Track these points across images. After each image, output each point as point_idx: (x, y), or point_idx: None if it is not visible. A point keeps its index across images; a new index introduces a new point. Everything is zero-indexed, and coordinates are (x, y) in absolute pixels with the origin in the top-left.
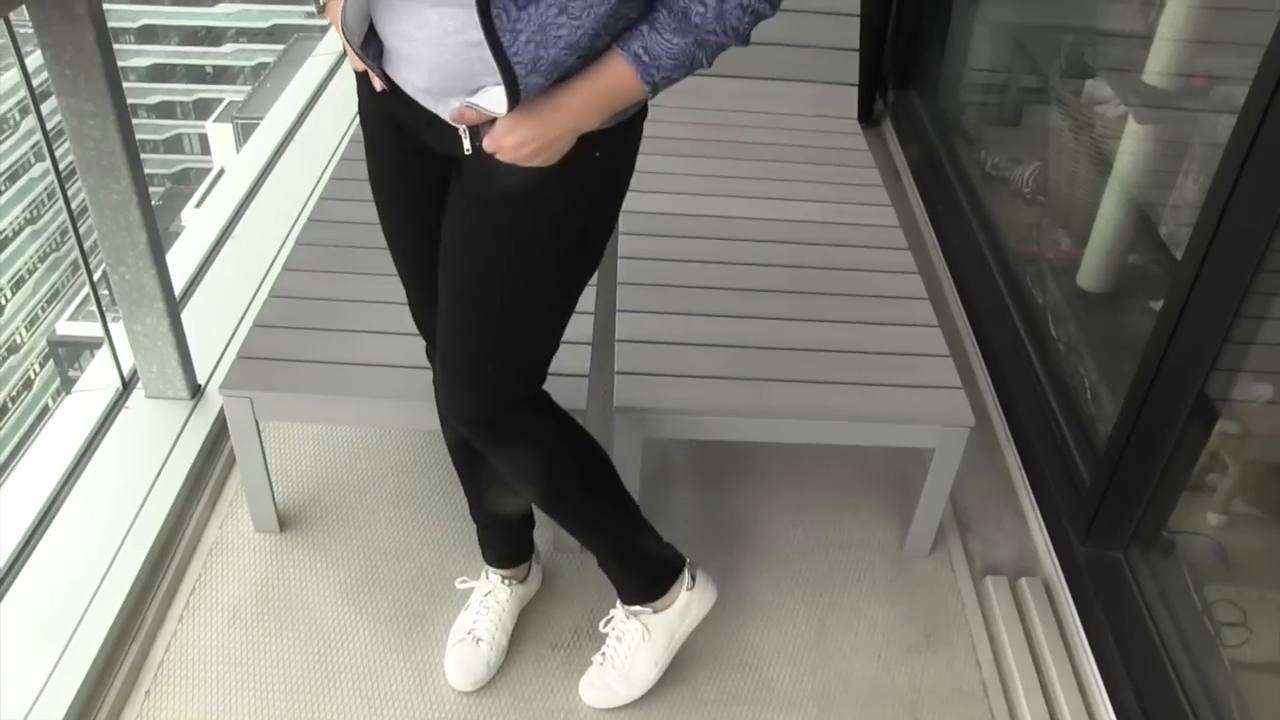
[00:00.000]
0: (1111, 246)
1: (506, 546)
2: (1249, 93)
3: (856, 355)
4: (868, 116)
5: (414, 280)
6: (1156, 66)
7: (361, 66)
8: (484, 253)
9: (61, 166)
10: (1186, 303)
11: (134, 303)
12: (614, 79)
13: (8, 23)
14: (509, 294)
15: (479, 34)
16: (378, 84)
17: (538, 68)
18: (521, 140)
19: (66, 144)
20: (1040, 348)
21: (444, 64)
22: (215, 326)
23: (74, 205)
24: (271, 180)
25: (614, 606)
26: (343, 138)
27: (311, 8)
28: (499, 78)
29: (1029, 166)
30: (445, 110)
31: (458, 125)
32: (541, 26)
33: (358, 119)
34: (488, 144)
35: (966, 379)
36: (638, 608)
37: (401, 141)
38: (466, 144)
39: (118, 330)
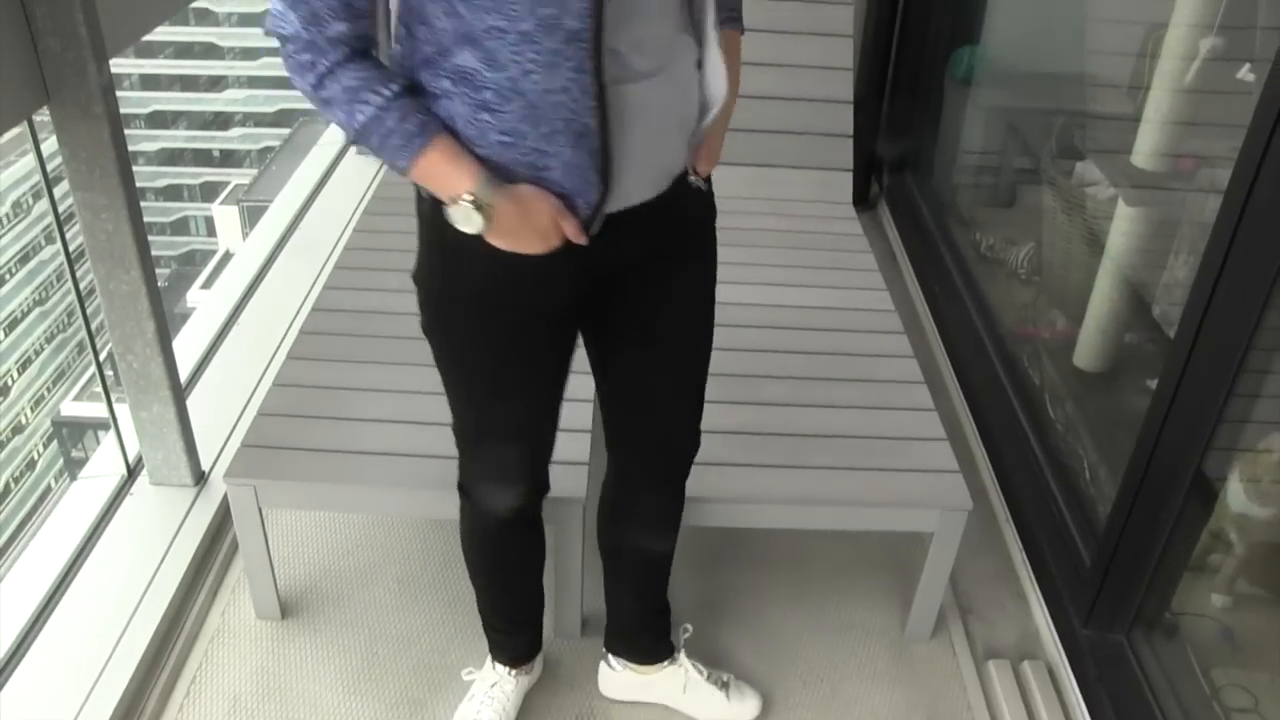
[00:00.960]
0: (1106, 326)
1: (526, 647)
2: (1232, 174)
3: (855, 440)
4: (864, 200)
5: (532, 406)
6: (1144, 148)
7: (583, 238)
8: (702, 302)
9: (71, 248)
10: (1180, 382)
11: (140, 390)
12: (734, 47)
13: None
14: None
15: (696, 51)
16: (584, 239)
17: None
18: (721, 140)
19: (77, 227)
20: (1038, 428)
21: (689, 105)
22: (220, 413)
23: (82, 287)
24: (276, 268)
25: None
26: (346, 226)
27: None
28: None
29: (1023, 247)
30: (682, 159)
31: (697, 173)
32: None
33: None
34: (708, 164)
35: (965, 460)
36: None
37: (558, 295)
38: (701, 183)
39: (122, 411)
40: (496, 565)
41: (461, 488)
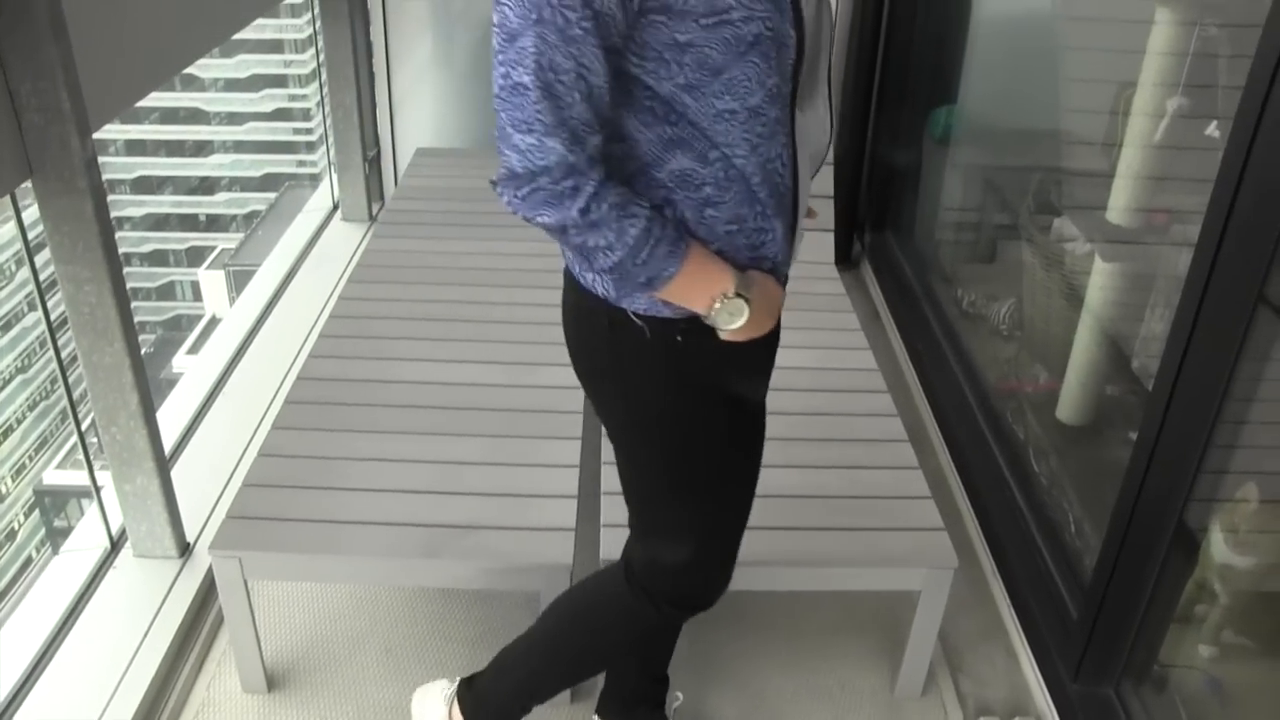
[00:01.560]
0: (1087, 380)
1: None
2: (1202, 227)
3: (841, 500)
4: (846, 259)
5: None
6: (1118, 204)
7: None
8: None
9: (55, 314)
10: (1159, 434)
11: (124, 462)
12: None
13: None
14: None
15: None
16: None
17: None
18: None
19: (59, 294)
20: (1023, 482)
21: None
22: (205, 484)
23: (64, 355)
24: (261, 335)
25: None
26: (331, 293)
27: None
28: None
29: (1005, 303)
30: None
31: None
32: None
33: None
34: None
35: (951, 516)
36: None
37: (756, 357)
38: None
39: (104, 477)
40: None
41: (656, 590)
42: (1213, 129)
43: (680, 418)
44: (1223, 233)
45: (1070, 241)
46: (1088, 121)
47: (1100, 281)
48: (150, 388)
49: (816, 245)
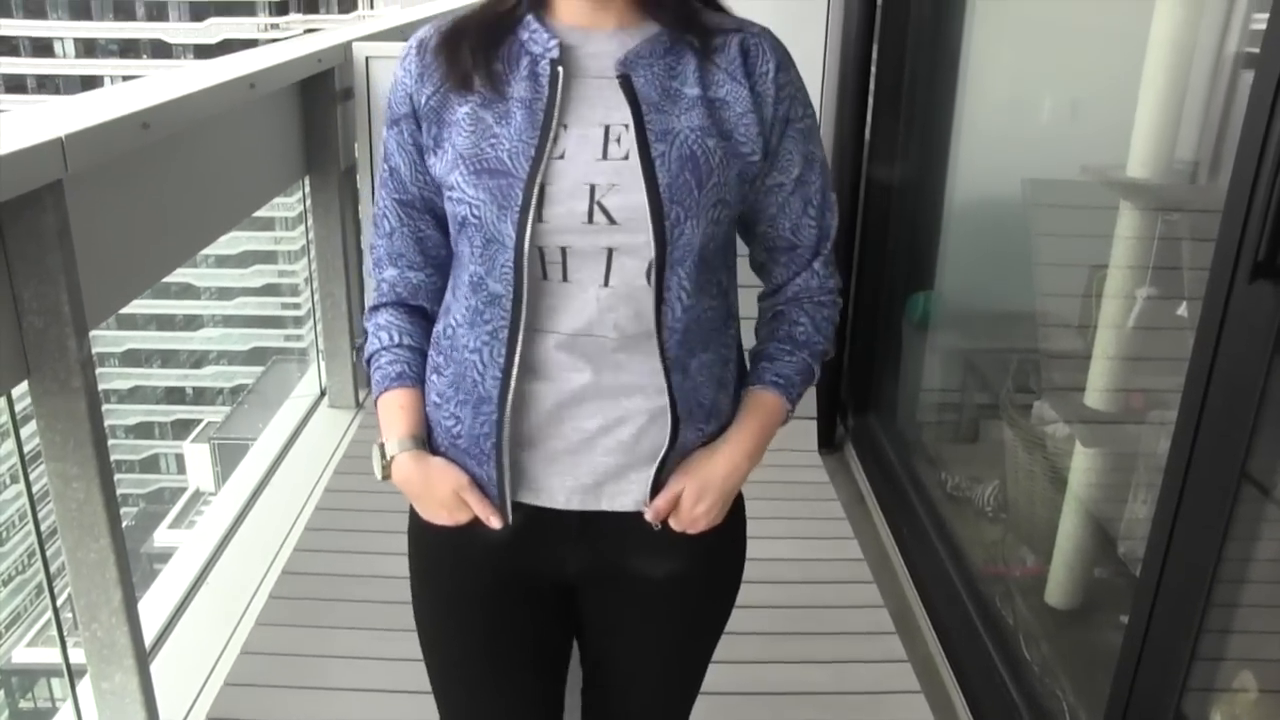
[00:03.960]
0: (1074, 563)
1: None
2: (1179, 410)
3: (830, 696)
4: (830, 443)
5: (513, 711)
6: (1096, 386)
7: (493, 520)
8: (681, 636)
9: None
10: (1150, 622)
11: (104, 660)
12: (765, 410)
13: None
14: (703, 664)
15: (664, 399)
16: (496, 522)
17: (702, 415)
18: (710, 505)
19: (42, 467)
20: (1014, 670)
21: (622, 443)
22: (186, 681)
23: (44, 528)
24: (247, 525)
25: None
26: (316, 483)
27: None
28: (671, 442)
29: (989, 485)
30: (612, 501)
31: (646, 514)
32: (700, 369)
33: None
34: (679, 522)
35: (942, 707)
36: None
37: (517, 580)
38: (657, 524)
39: (76, 653)
40: None
41: None
42: (1183, 309)
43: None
44: (1200, 411)
45: (1050, 424)
46: (1062, 305)
47: (1082, 464)
48: (131, 564)
49: (799, 433)
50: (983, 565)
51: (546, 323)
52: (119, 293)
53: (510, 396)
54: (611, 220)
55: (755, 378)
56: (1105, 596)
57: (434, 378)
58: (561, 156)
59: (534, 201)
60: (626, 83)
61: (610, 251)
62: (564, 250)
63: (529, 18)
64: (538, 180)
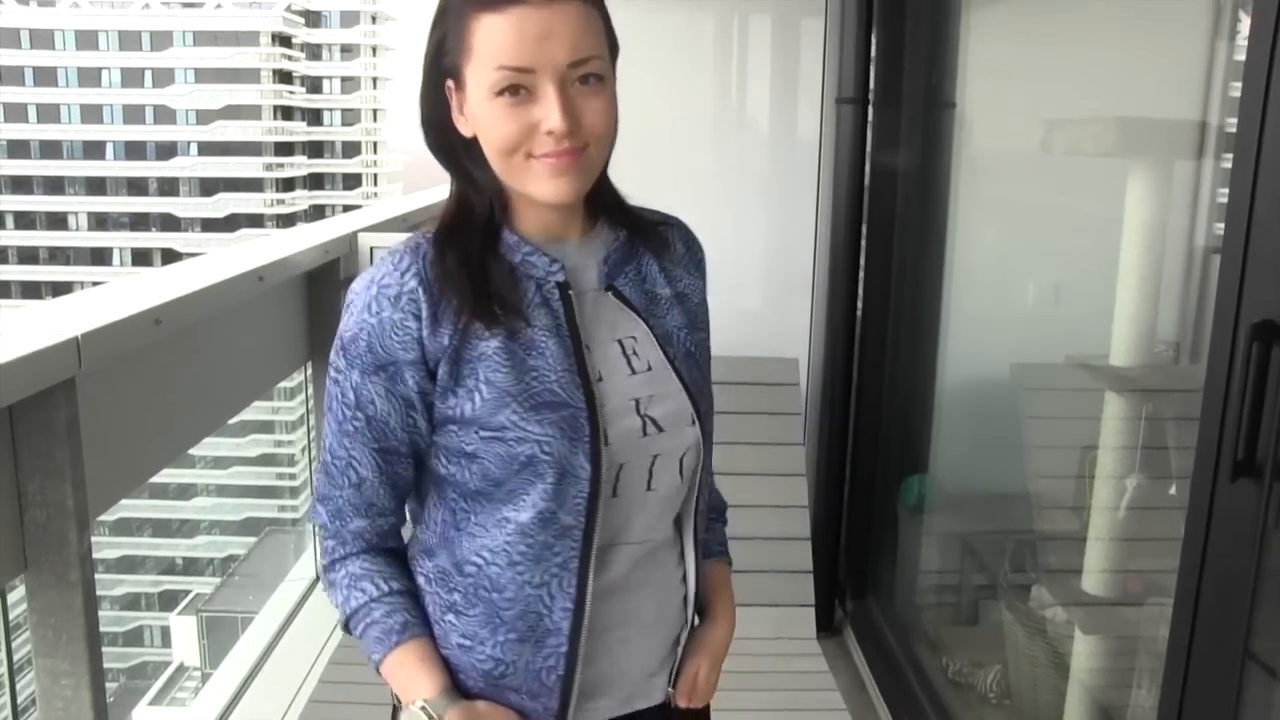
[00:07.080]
0: None
1: None
2: (1178, 588)
3: None
4: (828, 626)
5: None
6: (1093, 568)
7: None
8: None
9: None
10: None
11: None
12: (726, 577)
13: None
14: None
15: (690, 587)
16: None
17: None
18: (717, 675)
19: (23, 636)
20: None
21: (664, 644)
22: None
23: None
24: (237, 714)
25: None
26: (308, 672)
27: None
28: (691, 626)
29: (990, 670)
30: (646, 699)
31: (678, 701)
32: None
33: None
34: (697, 698)
35: None
36: None
37: None
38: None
39: None
40: None
41: None
42: (1174, 489)
43: None
44: (1196, 600)
45: (1049, 608)
46: (1055, 486)
47: (1083, 649)
48: None
49: (797, 619)
50: None
51: (607, 544)
52: (123, 483)
53: (585, 626)
54: (660, 429)
55: (706, 550)
56: None
57: (451, 618)
58: (600, 379)
59: (600, 428)
60: (618, 294)
61: (655, 458)
62: (620, 467)
63: (505, 233)
64: (596, 406)
